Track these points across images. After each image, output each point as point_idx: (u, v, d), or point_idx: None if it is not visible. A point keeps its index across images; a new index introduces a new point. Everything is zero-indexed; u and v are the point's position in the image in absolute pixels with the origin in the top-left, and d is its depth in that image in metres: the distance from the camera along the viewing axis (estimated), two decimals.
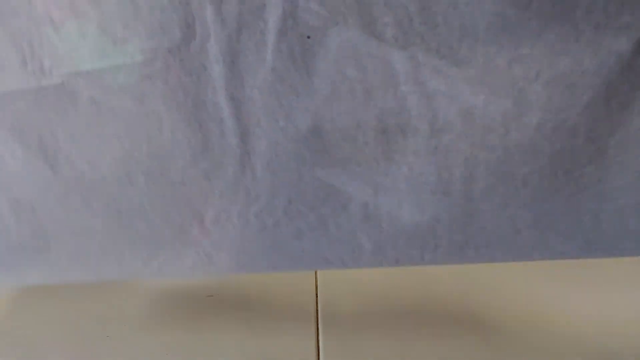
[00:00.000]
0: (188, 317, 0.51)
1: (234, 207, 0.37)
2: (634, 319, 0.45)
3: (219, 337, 0.48)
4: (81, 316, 0.50)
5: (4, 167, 0.38)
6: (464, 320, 0.47)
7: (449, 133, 0.31)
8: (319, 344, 0.45)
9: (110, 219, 0.39)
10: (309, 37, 0.30)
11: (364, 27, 0.29)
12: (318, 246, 0.37)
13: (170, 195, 0.37)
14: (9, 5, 0.31)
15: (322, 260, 0.37)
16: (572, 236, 0.33)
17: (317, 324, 0.48)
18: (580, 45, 0.27)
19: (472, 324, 0.46)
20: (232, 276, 0.50)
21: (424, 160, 0.32)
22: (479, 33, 0.28)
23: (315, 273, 0.50)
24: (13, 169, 0.38)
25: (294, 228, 0.36)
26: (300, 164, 0.34)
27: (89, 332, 0.51)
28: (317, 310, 0.50)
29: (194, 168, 0.36)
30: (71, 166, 0.37)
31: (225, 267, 0.39)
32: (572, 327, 0.44)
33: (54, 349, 0.49)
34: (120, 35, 0.31)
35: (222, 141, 0.34)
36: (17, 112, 0.35)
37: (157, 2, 0.30)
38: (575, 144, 0.30)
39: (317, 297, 0.50)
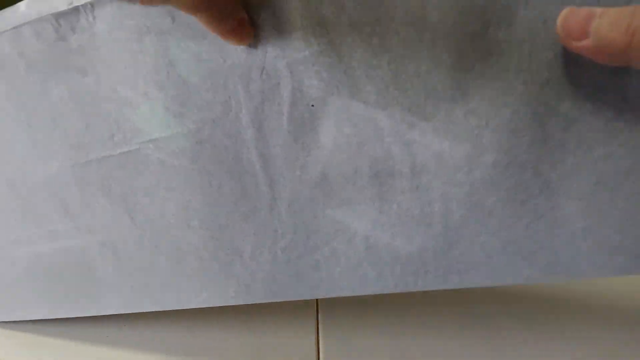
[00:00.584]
0: (187, 317, 0.53)
1: (265, 243, 0.44)
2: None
3: (219, 336, 0.51)
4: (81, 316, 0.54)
5: (95, 217, 0.49)
6: (465, 319, 0.49)
7: (426, 174, 0.37)
8: (319, 343, 0.48)
9: (171, 256, 0.48)
10: (313, 105, 0.38)
11: (352, 95, 0.37)
12: (332, 276, 0.43)
13: (218, 235, 0.45)
14: (100, 94, 0.42)
15: (337, 288, 0.43)
16: (535, 261, 0.37)
17: (317, 324, 0.50)
18: (515, 98, 0.33)
19: (472, 323, 0.48)
20: None
21: (409, 198, 0.38)
22: (439, 93, 0.35)
23: None
24: (101, 219, 0.49)
25: (312, 260, 0.43)
26: (314, 205, 0.41)
27: (89, 332, 0.54)
28: (317, 310, 0.52)
29: (236, 212, 0.44)
30: (145, 214, 0.47)
31: (259, 295, 0.46)
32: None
33: (54, 349, 0.53)
34: (179, 111, 0.41)
35: (256, 190, 0.42)
36: (105, 173, 0.46)
37: (203, 86, 0.40)
38: (525, 177, 0.35)
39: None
